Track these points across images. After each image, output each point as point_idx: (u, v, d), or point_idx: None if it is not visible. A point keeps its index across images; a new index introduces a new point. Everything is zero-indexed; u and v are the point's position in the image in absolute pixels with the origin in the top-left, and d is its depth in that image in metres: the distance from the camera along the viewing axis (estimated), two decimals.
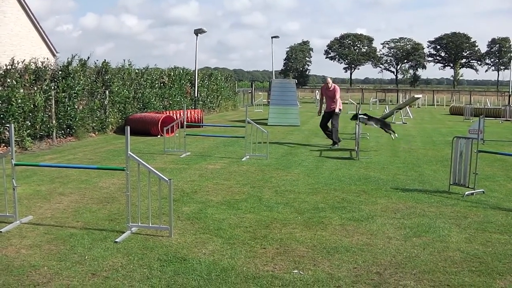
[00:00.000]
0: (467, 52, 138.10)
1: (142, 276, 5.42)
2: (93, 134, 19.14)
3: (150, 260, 5.90)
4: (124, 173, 6.87)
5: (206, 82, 31.59)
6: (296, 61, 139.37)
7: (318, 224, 7.53)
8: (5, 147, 14.60)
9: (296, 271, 5.68)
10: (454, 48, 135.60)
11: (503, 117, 29.95)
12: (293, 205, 8.65)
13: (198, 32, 27.29)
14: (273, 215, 7.98)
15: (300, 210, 8.35)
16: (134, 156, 6.69)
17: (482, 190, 9.90)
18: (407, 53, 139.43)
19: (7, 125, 14.51)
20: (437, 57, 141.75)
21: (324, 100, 17.31)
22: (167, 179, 6.66)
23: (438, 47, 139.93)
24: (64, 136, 17.65)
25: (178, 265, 5.77)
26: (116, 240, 6.58)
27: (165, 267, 5.70)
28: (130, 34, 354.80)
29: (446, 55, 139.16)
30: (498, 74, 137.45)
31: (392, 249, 6.46)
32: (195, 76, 27.85)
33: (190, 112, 21.73)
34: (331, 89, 16.79)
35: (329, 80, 17.04)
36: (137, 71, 23.18)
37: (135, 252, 6.19)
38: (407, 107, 29.29)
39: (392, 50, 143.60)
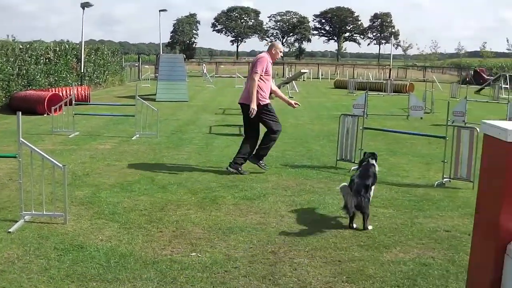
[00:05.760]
0: (351, 26, 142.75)
1: (40, 268, 5.28)
2: None
3: (47, 250, 5.75)
4: (16, 159, 6.64)
5: (92, 57, 30.74)
6: (183, 34, 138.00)
7: (212, 204, 7.62)
8: None
9: (194, 253, 5.75)
10: (338, 22, 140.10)
11: (384, 91, 31.13)
12: (186, 185, 8.69)
13: (84, 5, 26.51)
14: (167, 196, 7.99)
15: (193, 190, 8.40)
16: (27, 143, 6.49)
17: None
18: (293, 27, 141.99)
19: None
20: (322, 31, 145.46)
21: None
22: (61, 166, 6.51)
23: (323, 20, 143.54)
24: None
25: (76, 253, 5.67)
26: (9, 230, 6.35)
27: (62, 256, 5.59)
28: (10, 4, 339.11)
29: (331, 28, 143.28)
30: (380, 48, 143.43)
31: (285, 227, 6.66)
32: (81, 51, 27.07)
33: (77, 89, 21.16)
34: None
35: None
36: (21, 46, 22.22)
37: (31, 242, 6.00)
38: (293, 81, 29.77)
39: (278, 23, 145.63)
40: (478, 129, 8.18)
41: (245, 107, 9.51)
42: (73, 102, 14.23)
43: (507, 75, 37.91)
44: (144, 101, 13.90)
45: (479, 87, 38.59)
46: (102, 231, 6.43)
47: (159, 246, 5.95)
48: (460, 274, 5.32)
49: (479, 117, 17.68)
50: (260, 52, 10.46)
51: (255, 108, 9.30)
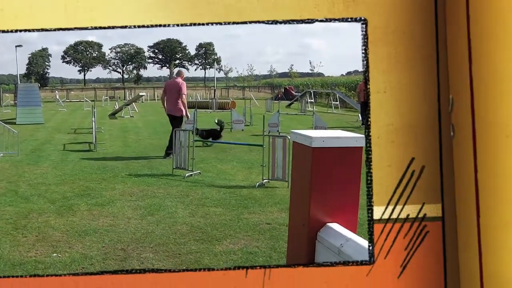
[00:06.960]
0: (180, 54, 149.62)
1: None
2: None
3: None
4: None
5: None
6: (37, 65, 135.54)
7: (68, 211, 8.27)
8: None
9: (55, 254, 6.31)
10: (169, 52, 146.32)
11: (210, 109, 33.71)
12: (46, 196, 9.36)
13: None
14: (30, 206, 8.57)
15: (52, 199, 9.08)
16: None
17: (199, 171, 11.56)
18: (131, 56, 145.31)
19: None
20: (156, 59, 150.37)
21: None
22: None
23: (156, 50, 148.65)
24: None
25: None
26: None
27: None
28: None
29: (163, 57, 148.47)
30: (205, 72, 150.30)
31: (132, 228, 7.39)
32: None
33: None
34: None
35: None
36: None
37: None
38: (133, 103, 31.35)
39: (118, 54, 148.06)
40: (289, 137, 9.16)
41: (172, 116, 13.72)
42: None
43: (311, 91, 42.46)
44: (5, 125, 14.79)
45: (289, 102, 42.34)
46: None
47: (24, 249, 6.44)
48: (281, 259, 6.00)
49: (290, 127, 19.27)
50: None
51: (188, 115, 14.21)
